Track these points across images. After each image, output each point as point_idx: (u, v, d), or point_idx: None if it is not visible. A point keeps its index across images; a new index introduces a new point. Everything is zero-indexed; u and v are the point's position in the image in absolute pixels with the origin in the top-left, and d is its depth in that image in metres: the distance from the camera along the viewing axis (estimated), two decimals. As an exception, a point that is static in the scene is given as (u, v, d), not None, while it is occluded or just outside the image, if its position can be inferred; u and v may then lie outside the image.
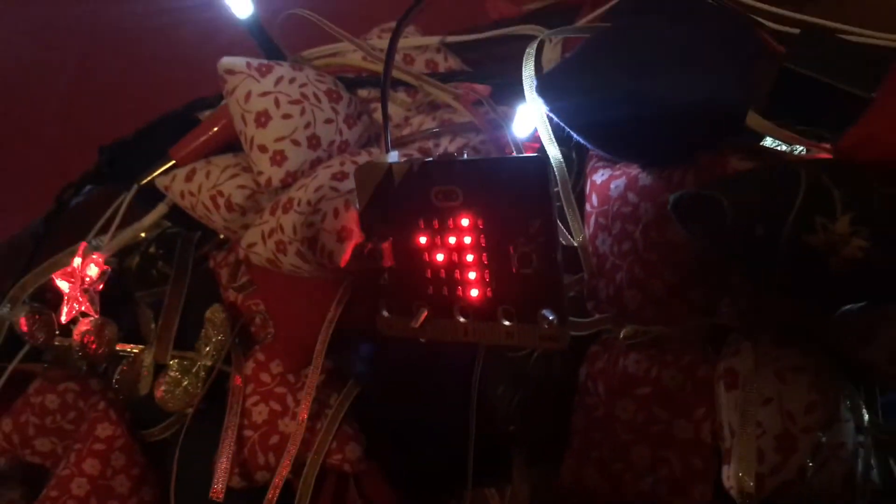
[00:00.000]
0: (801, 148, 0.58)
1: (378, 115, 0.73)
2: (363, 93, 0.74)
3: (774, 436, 0.50)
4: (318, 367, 0.65)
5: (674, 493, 0.54)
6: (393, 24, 0.73)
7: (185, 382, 0.73)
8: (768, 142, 0.57)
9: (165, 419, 0.75)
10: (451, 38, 0.74)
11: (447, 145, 0.70)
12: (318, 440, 0.67)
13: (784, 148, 0.54)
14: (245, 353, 0.72)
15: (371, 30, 0.79)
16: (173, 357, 0.73)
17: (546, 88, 0.54)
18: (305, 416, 0.65)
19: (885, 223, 0.44)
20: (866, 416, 0.52)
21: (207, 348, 0.73)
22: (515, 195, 0.51)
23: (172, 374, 0.73)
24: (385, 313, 0.58)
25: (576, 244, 0.59)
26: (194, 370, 0.73)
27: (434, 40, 0.74)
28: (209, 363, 0.73)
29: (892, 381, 0.53)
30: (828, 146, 0.51)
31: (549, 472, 0.66)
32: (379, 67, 0.72)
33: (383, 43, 0.74)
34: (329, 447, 0.67)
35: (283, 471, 0.65)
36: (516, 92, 0.70)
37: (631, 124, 0.52)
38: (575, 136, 0.55)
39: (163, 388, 0.73)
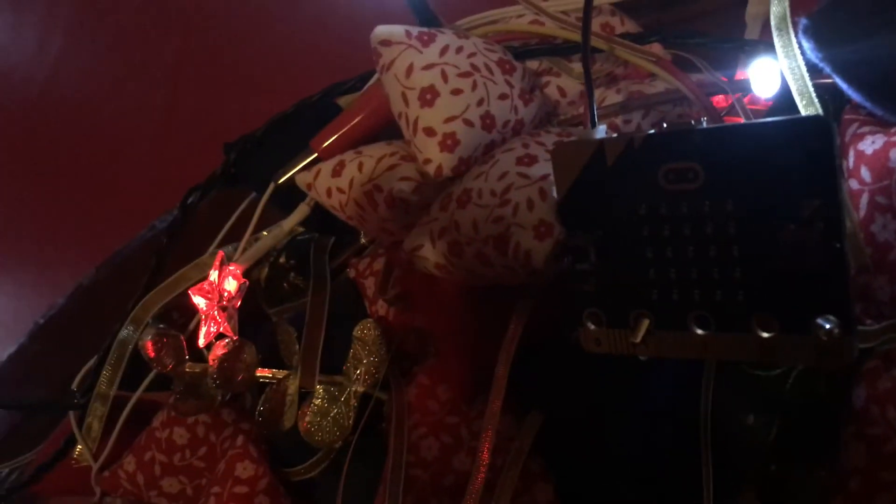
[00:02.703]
0: None
1: (550, 91, 0.62)
2: (532, 64, 0.62)
3: None
4: (499, 393, 0.54)
5: None
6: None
7: (334, 412, 0.62)
8: None
9: (312, 455, 0.65)
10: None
11: (639, 121, 0.59)
12: (501, 481, 0.55)
13: None
14: (404, 376, 0.62)
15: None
16: (319, 382, 0.63)
17: (819, 30, 0.42)
18: (488, 454, 0.54)
19: None
20: None
21: (358, 371, 0.63)
22: (783, 169, 0.40)
23: (318, 402, 0.63)
24: (591, 325, 0.47)
25: (843, 231, 0.46)
26: (343, 398, 0.63)
27: (610, -1, 0.63)
28: (361, 389, 0.62)
29: None
30: None
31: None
32: (552, 31, 0.61)
33: (550, 6, 0.63)
34: (515, 489, 0.56)
35: (466, 520, 0.53)
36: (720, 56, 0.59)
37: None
38: (852, 92, 0.43)
39: (308, 418, 0.63)
